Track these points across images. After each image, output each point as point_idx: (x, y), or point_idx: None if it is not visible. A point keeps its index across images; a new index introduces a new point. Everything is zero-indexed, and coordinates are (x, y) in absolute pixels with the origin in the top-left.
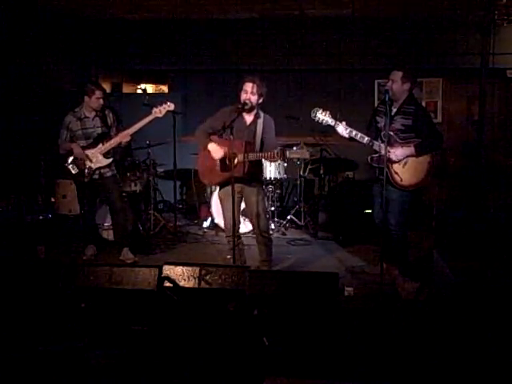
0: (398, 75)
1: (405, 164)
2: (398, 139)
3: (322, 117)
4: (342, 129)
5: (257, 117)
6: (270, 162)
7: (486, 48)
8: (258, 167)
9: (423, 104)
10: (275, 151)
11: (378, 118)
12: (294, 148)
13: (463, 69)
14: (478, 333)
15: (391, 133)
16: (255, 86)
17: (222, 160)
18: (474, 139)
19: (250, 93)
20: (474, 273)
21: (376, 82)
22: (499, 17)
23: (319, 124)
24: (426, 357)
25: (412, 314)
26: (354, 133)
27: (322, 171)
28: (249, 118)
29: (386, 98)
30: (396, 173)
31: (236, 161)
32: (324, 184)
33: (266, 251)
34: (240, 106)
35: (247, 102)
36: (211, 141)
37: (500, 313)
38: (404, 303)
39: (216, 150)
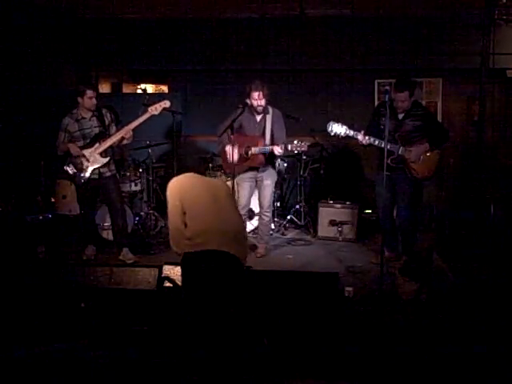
0: (406, 96)
1: (421, 162)
2: (410, 139)
3: (340, 129)
4: (362, 138)
5: (265, 113)
6: (276, 154)
7: (486, 48)
8: (270, 156)
9: (423, 104)
10: (281, 133)
11: (381, 121)
12: (295, 142)
13: (463, 69)
14: (477, 332)
15: (403, 134)
16: (261, 92)
17: (240, 153)
18: (473, 139)
19: (258, 99)
20: (473, 273)
21: (376, 81)
22: (499, 17)
23: (320, 125)
24: (425, 356)
25: (412, 313)
26: (372, 139)
27: (321, 171)
28: (258, 116)
29: (386, 99)
30: (413, 169)
31: (250, 153)
32: (324, 184)
33: (264, 231)
34: (251, 108)
35: (258, 107)
36: (229, 142)
37: (499, 312)
38: (404, 303)
39: (229, 152)
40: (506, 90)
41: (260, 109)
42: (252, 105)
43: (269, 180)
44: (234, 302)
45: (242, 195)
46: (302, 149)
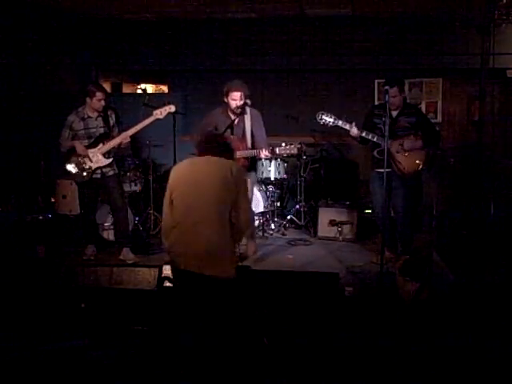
0: (395, 91)
1: (407, 155)
2: (403, 134)
3: (329, 118)
4: (352, 128)
5: (243, 113)
6: (263, 158)
7: (486, 48)
8: (250, 163)
9: (423, 104)
10: (263, 150)
11: (376, 121)
12: (283, 144)
13: (463, 69)
14: (477, 332)
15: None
16: (242, 93)
17: None
18: (474, 139)
19: (239, 100)
20: (473, 273)
21: (376, 81)
22: (499, 17)
23: (320, 125)
24: (425, 356)
25: (412, 313)
26: (364, 133)
27: (321, 171)
28: (235, 117)
29: (386, 99)
30: (400, 162)
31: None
32: (324, 184)
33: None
34: (235, 112)
35: (237, 109)
36: None
37: (499, 312)
38: (404, 303)
39: None
40: (506, 90)
41: (239, 110)
42: (229, 105)
43: (252, 185)
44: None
45: None
46: (292, 151)
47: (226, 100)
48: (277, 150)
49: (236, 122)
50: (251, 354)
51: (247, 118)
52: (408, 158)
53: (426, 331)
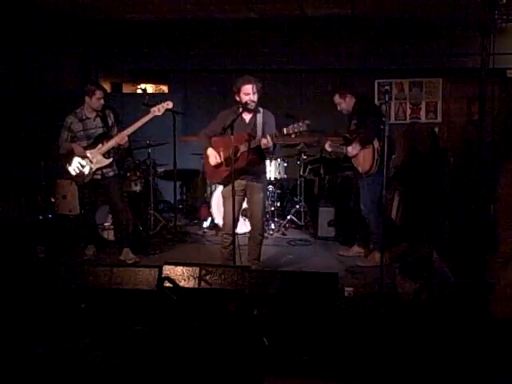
0: (336, 99)
1: (358, 156)
2: (354, 137)
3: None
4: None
5: (256, 112)
6: (270, 146)
7: (486, 48)
8: (261, 160)
9: (423, 104)
10: (271, 132)
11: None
12: (291, 126)
13: (463, 69)
14: (477, 332)
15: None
16: (254, 86)
17: (227, 156)
18: (473, 139)
19: (251, 94)
20: (473, 273)
21: (376, 82)
22: (499, 17)
23: (320, 125)
24: (425, 357)
25: (412, 313)
26: (331, 148)
27: (321, 171)
28: (248, 115)
29: (386, 99)
30: (358, 165)
31: (239, 153)
32: (324, 184)
33: (257, 250)
34: (241, 107)
35: (251, 103)
36: (210, 144)
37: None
38: (404, 303)
39: (211, 155)
40: (506, 90)
41: (252, 105)
42: (242, 101)
43: (261, 193)
44: None
45: (227, 211)
46: (301, 129)
47: (237, 98)
48: (284, 131)
49: (248, 120)
50: (251, 354)
51: (259, 117)
52: (360, 159)
53: (426, 331)
